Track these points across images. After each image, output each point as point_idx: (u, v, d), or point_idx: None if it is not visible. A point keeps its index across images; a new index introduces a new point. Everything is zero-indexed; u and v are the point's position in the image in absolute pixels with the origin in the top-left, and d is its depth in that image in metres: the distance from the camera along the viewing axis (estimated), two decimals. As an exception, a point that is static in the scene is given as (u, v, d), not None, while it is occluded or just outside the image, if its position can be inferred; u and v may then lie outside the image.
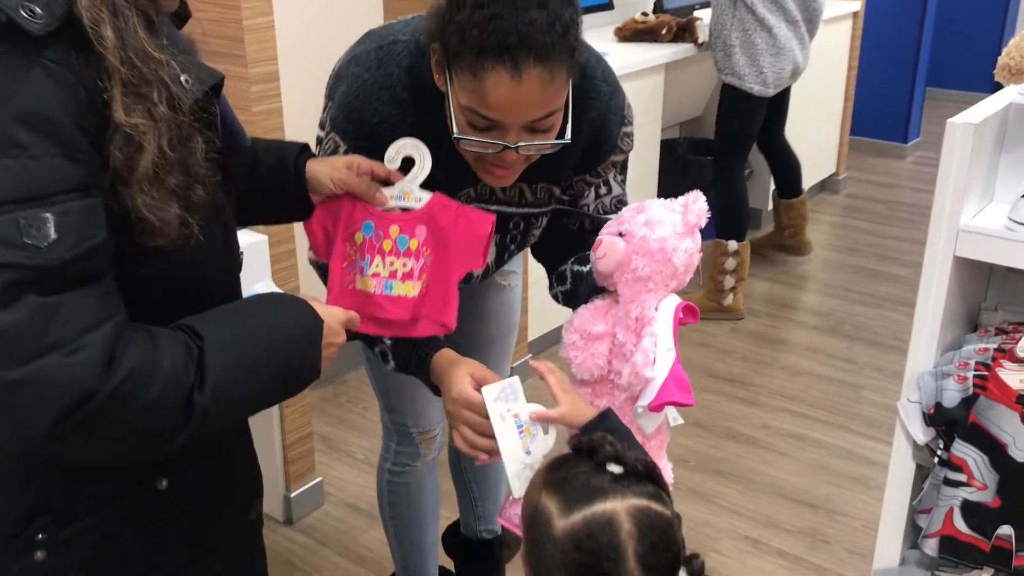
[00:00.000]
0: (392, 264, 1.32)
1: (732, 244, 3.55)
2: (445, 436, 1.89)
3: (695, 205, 1.30)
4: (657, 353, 1.25)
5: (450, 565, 2.12)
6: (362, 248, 1.33)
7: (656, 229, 1.28)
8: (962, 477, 1.55)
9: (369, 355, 1.70)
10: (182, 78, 0.93)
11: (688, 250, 1.29)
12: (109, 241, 0.88)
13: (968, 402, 1.52)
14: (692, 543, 2.53)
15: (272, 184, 1.34)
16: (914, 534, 1.74)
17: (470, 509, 2.02)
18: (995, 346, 1.57)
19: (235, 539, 1.19)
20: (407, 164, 1.33)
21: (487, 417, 1.24)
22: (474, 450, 1.27)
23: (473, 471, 1.97)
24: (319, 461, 2.60)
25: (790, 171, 3.97)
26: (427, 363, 1.38)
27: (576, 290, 1.50)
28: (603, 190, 1.54)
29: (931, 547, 1.61)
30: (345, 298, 1.35)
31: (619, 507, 0.92)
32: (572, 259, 1.53)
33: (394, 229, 1.32)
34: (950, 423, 1.54)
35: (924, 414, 1.57)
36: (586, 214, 1.54)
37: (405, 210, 1.33)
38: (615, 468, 0.96)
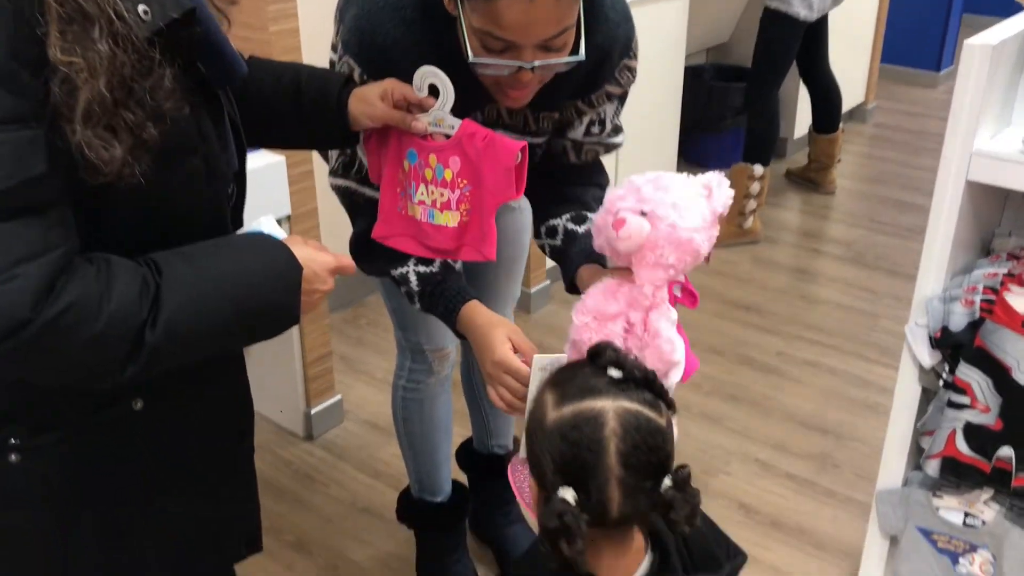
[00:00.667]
0: (432, 193, 1.34)
1: (758, 168, 3.53)
2: (458, 354, 1.93)
3: (720, 191, 1.22)
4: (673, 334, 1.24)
5: (463, 479, 2.18)
6: (408, 175, 1.35)
7: (685, 217, 1.18)
8: (966, 400, 1.56)
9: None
10: (140, 8, 0.89)
11: (712, 238, 1.23)
12: (53, 173, 0.87)
13: (974, 326, 1.53)
14: (702, 464, 2.57)
15: (314, 116, 1.33)
16: (918, 456, 1.76)
17: (482, 426, 2.07)
18: (1005, 271, 1.57)
19: (219, 468, 1.18)
20: (434, 92, 1.32)
21: (527, 384, 1.27)
22: (510, 409, 1.31)
23: (485, 388, 2.01)
24: (339, 380, 2.66)
25: (831, 105, 3.91)
26: (454, 314, 1.41)
27: (567, 250, 1.49)
28: (596, 128, 1.53)
29: (933, 468, 1.63)
30: (397, 221, 1.37)
31: (609, 406, 0.96)
32: (567, 215, 1.52)
33: (432, 158, 1.32)
34: (956, 346, 1.55)
35: (931, 337, 1.58)
36: (573, 145, 1.54)
37: (444, 137, 1.33)
38: (614, 372, 0.99)
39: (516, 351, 1.32)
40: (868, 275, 3.42)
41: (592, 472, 0.94)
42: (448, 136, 1.32)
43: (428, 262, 1.45)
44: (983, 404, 1.55)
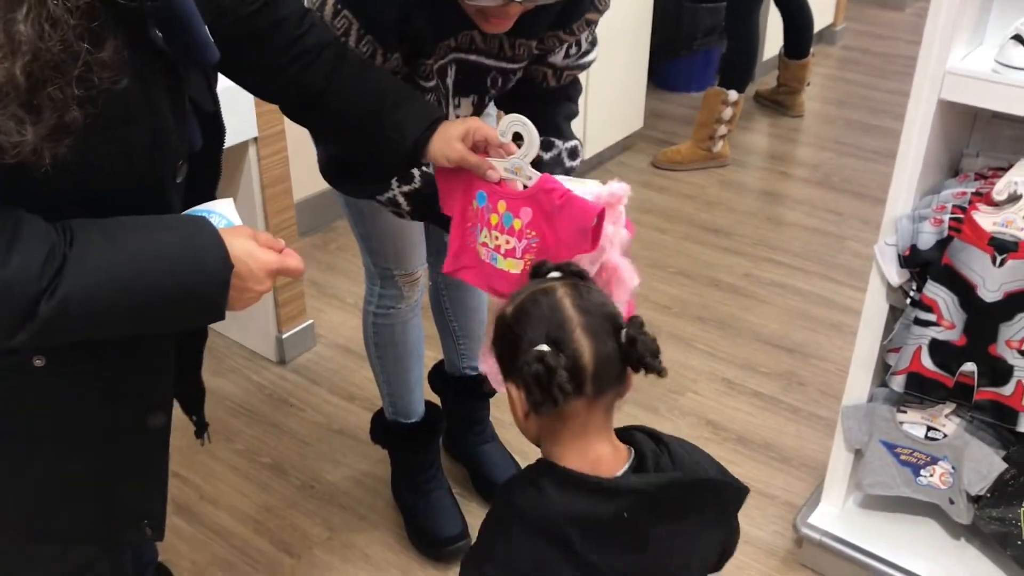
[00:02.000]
0: (497, 239, 1.32)
1: (732, 94, 3.51)
2: (427, 278, 1.93)
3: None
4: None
5: (436, 400, 2.20)
6: (475, 216, 1.33)
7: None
8: (932, 317, 1.60)
9: (348, 200, 1.71)
10: None
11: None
12: None
13: (942, 244, 1.56)
14: (671, 384, 2.61)
15: (386, 149, 1.32)
16: (883, 373, 1.81)
17: (452, 348, 2.08)
18: (973, 190, 1.59)
19: (120, 443, 1.12)
20: (517, 140, 1.30)
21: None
22: None
23: (455, 310, 2.02)
24: (310, 305, 2.65)
25: (802, 31, 3.88)
26: None
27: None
28: (573, 49, 1.54)
29: (898, 383, 1.68)
30: (465, 254, 1.37)
31: (555, 284, 1.06)
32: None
33: (501, 204, 1.30)
34: (924, 265, 1.58)
35: (899, 256, 1.60)
36: (553, 70, 1.55)
37: (519, 186, 1.31)
38: (554, 273, 1.09)
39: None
40: (835, 198, 3.46)
41: (558, 326, 1.01)
42: (525, 186, 1.29)
43: (410, 180, 1.44)
44: (948, 321, 1.59)
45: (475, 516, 2.02)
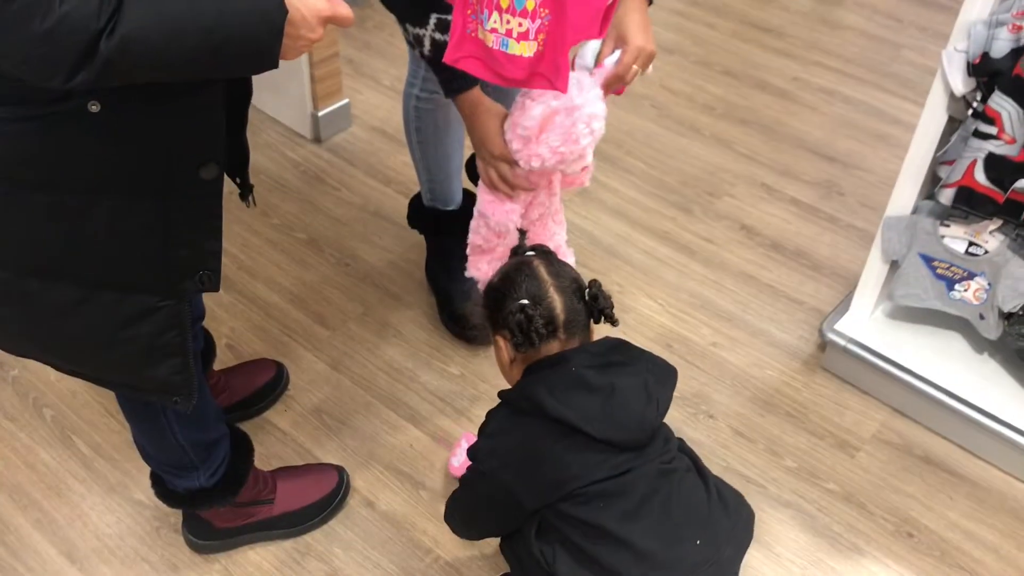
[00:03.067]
0: (508, 22, 1.25)
1: None
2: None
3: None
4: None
5: (475, 190, 2.19)
6: (481, 0, 1.25)
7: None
8: (993, 130, 1.55)
9: None
10: None
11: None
12: None
13: (1017, 53, 1.49)
14: (708, 186, 2.60)
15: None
16: (930, 186, 1.77)
17: None
18: (1058, -4, 1.50)
19: (176, 193, 1.13)
20: None
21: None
22: (494, 189, 1.54)
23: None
24: (346, 85, 2.60)
25: None
26: (461, 92, 1.47)
27: None
28: None
29: (947, 196, 1.65)
30: (467, 43, 1.30)
31: (532, 258, 1.35)
32: None
33: None
34: (993, 74, 1.52)
35: (968, 63, 1.53)
36: None
37: None
38: (529, 252, 1.37)
39: None
40: (897, 2, 3.28)
41: (536, 286, 1.29)
42: None
43: (446, 30, 1.37)
44: (1009, 135, 1.54)
45: (506, 302, 2.07)
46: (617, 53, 1.42)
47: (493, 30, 1.28)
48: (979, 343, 1.89)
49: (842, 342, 1.91)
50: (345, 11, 1.06)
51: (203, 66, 0.99)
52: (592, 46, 1.43)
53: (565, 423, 1.22)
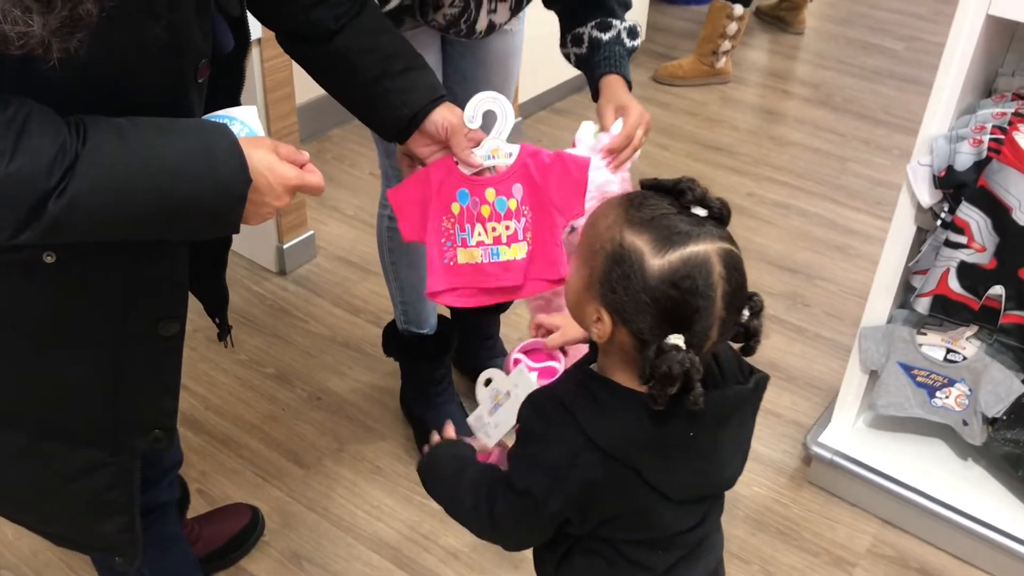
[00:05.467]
0: (495, 229, 1.27)
1: (738, 8, 3.44)
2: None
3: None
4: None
5: (447, 314, 2.17)
6: (461, 218, 1.27)
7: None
8: (963, 239, 1.59)
9: None
10: None
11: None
12: None
13: (980, 165, 1.53)
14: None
15: (380, 107, 1.24)
16: (902, 295, 1.80)
17: None
18: (1012, 111, 1.56)
19: (136, 351, 1.08)
20: (487, 120, 1.26)
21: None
22: None
23: None
24: (309, 216, 2.59)
25: None
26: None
27: (591, 58, 1.51)
28: None
29: (923, 305, 1.67)
30: (449, 276, 1.30)
31: (711, 249, 0.92)
32: (592, 22, 1.51)
33: (490, 192, 1.25)
34: (959, 186, 1.56)
35: (934, 176, 1.58)
36: None
37: (496, 170, 1.27)
38: (700, 211, 0.95)
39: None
40: (837, 118, 3.42)
41: (701, 317, 0.92)
42: (500, 168, 1.26)
43: None
44: (979, 244, 1.58)
45: (485, 430, 2.02)
46: (619, 122, 1.41)
47: (480, 243, 1.28)
48: (963, 449, 1.89)
49: (828, 455, 1.90)
50: (315, 180, 1.04)
51: (158, 229, 0.96)
52: (589, 126, 1.43)
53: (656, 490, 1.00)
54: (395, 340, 2.01)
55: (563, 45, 1.57)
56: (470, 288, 1.31)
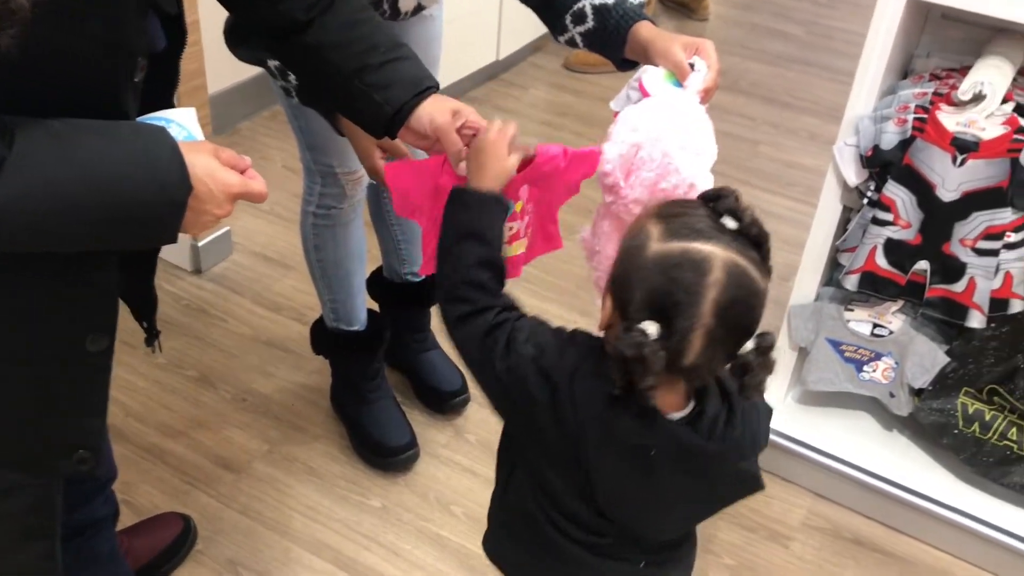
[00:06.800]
0: None
1: (639, -6, 3.45)
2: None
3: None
4: None
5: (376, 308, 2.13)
6: None
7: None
8: (889, 216, 1.63)
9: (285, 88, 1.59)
10: None
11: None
12: None
13: (905, 144, 1.57)
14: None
15: (361, 103, 1.16)
16: (829, 273, 1.84)
17: (393, 253, 2.00)
18: (932, 91, 1.61)
19: (61, 368, 1.02)
20: None
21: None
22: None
23: (395, 216, 1.93)
24: (223, 211, 2.50)
25: None
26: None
27: (606, 24, 1.37)
28: None
29: (851, 282, 1.71)
30: None
31: (718, 254, 0.90)
32: None
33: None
34: (885, 164, 1.60)
35: (861, 156, 1.61)
36: None
37: None
38: (730, 222, 0.94)
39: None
40: (745, 102, 3.48)
41: (682, 314, 0.90)
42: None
43: None
44: (905, 220, 1.62)
45: (419, 425, 1.99)
46: (696, 60, 1.29)
47: None
48: (888, 420, 1.95)
49: (761, 432, 1.93)
50: (258, 187, 0.99)
51: (92, 238, 0.90)
52: (655, 72, 1.30)
53: None
54: (324, 338, 1.96)
55: (561, 31, 1.43)
56: None
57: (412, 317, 2.06)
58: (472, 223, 1.06)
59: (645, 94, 1.26)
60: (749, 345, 0.93)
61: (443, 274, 1.08)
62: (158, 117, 0.99)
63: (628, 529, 1.09)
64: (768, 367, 0.95)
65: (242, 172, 0.99)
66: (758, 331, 0.95)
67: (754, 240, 0.94)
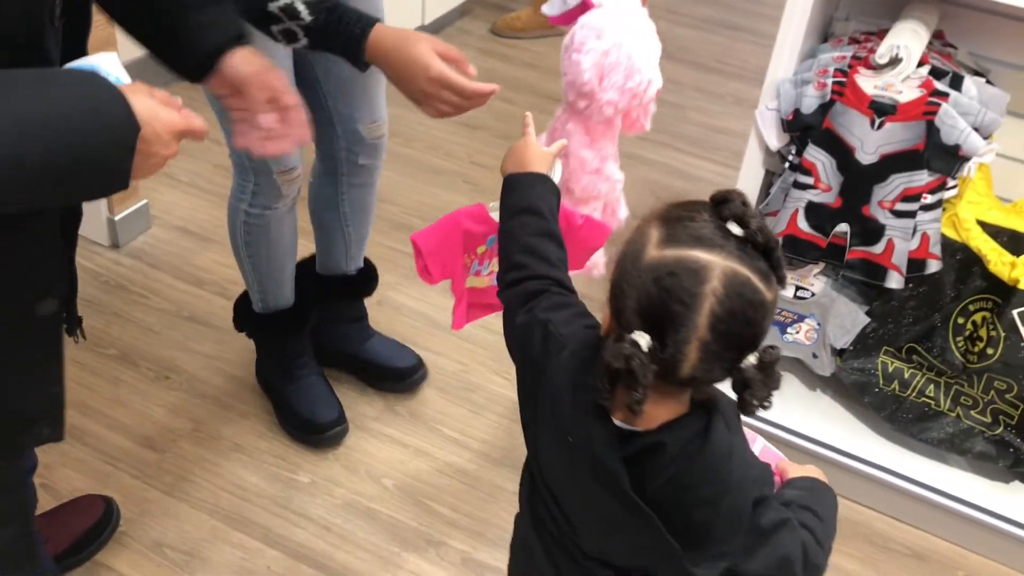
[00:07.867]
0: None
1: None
2: (307, 175, 1.79)
3: None
4: None
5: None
6: (481, 256, 1.31)
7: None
8: (810, 180, 1.64)
9: None
10: None
11: None
12: None
13: (824, 108, 1.59)
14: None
15: (174, 47, 1.14)
16: (753, 237, 1.86)
17: (342, 250, 1.93)
18: (851, 54, 1.62)
19: (12, 335, 1.00)
20: None
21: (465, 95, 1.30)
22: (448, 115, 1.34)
23: (354, 215, 1.86)
24: (142, 185, 2.43)
25: None
26: (364, 40, 1.27)
27: (339, 16, 1.31)
28: None
29: (775, 246, 1.72)
30: (474, 297, 1.40)
31: (717, 263, 0.84)
32: None
33: None
34: (806, 128, 1.61)
35: (782, 120, 1.62)
36: None
37: None
38: (735, 229, 0.86)
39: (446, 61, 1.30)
40: (672, 67, 3.46)
41: (676, 326, 0.84)
42: None
43: None
44: (825, 184, 1.64)
45: (348, 399, 1.96)
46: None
47: (491, 273, 1.36)
48: (811, 380, 1.98)
49: (689, 396, 1.95)
50: (199, 124, 0.97)
51: (43, 193, 0.87)
52: None
53: None
54: (248, 317, 1.91)
55: (266, 31, 1.30)
56: (478, 303, 1.40)
57: (350, 307, 2.02)
58: (524, 200, 1.13)
59: (590, 5, 1.35)
60: (751, 359, 0.87)
61: (503, 249, 1.13)
62: (81, 65, 0.95)
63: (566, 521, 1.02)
64: (771, 383, 0.87)
65: (178, 111, 0.97)
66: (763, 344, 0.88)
67: (762, 248, 0.87)
